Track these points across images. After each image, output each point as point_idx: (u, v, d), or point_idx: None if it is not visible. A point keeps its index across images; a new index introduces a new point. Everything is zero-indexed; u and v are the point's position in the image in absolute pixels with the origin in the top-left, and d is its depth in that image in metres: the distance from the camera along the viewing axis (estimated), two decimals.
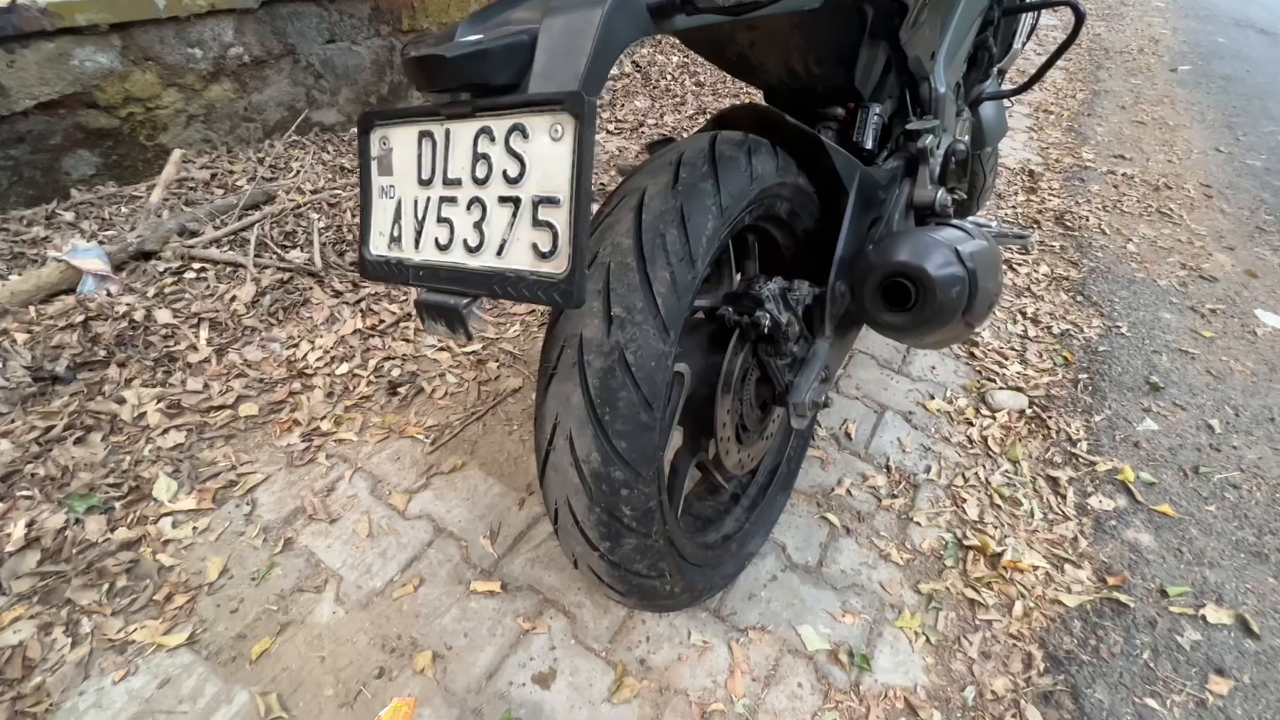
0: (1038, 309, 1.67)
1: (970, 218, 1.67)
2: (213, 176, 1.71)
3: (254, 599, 0.91)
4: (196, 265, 1.43)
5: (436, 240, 0.53)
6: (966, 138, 1.13)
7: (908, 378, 1.43)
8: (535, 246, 0.47)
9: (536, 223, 0.47)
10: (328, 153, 2.01)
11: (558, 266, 0.47)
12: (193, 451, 1.09)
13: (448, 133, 0.51)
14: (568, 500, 0.65)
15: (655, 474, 0.65)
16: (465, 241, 0.51)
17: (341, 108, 2.10)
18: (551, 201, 0.47)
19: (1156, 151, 2.77)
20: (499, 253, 0.49)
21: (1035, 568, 1.04)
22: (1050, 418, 1.33)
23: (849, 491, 1.15)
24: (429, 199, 0.53)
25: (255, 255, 1.47)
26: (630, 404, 0.60)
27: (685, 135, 2.35)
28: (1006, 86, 1.46)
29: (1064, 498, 1.17)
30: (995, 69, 1.48)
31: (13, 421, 1.06)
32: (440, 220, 0.52)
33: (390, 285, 1.52)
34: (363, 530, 1.01)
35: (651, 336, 0.61)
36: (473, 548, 1.01)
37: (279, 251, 1.52)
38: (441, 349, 1.38)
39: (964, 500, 1.15)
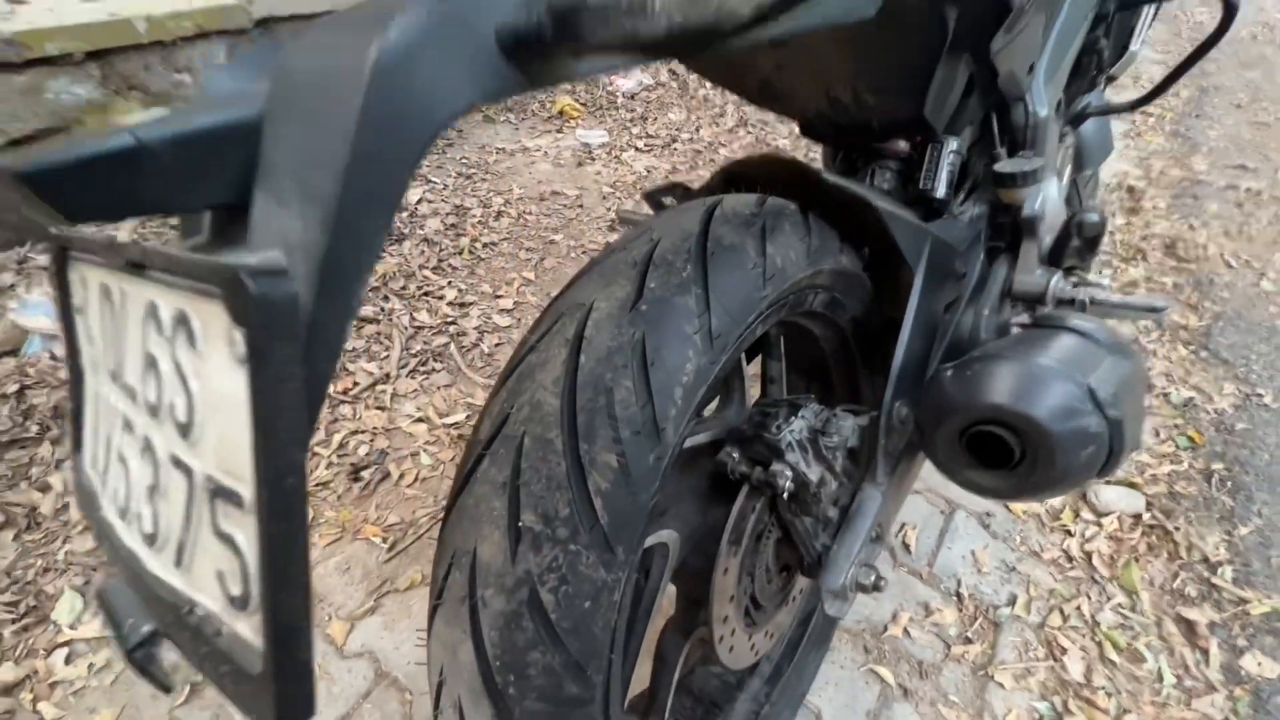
0: (1149, 368, 1.34)
1: (1087, 292, 1.30)
2: None
3: None
4: None
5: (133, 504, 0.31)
6: (1096, 214, 0.82)
7: None
8: (221, 577, 0.25)
9: (218, 530, 0.25)
10: None
11: (251, 640, 0.23)
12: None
13: (122, 294, 0.28)
14: None
15: None
16: (140, 518, 0.28)
17: None
18: (230, 497, 0.23)
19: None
20: (177, 562, 0.26)
21: None
22: (1177, 528, 1.02)
23: (907, 631, 0.88)
24: (117, 411, 0.31)
25: None
26: (549, 671, 0.37)
27: (708, 170, 2.08)
28: (1116, 99, 1.14)
29: (1205, 653, 0.86)
30: (1103, 77, 1.17)
31: None
32: (122, 461, 0.30)
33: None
34: None
35: (586, 562, 0.37)
36: (418, 703, 0.79)
37: None
38: (419, 420, 1.17)
39: (1063, 650, 0.87)
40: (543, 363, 0.40)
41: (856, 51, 0.60)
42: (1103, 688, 0.83)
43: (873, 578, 0.57)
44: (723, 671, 0.73)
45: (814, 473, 0.53)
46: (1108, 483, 1.09)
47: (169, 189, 0.24)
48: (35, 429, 1.05)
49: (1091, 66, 1.06)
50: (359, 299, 0.24)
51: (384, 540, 0.97)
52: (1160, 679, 0.84)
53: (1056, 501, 1.06)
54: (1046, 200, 0.73)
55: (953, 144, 0.73)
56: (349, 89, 0.23)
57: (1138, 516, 1.04)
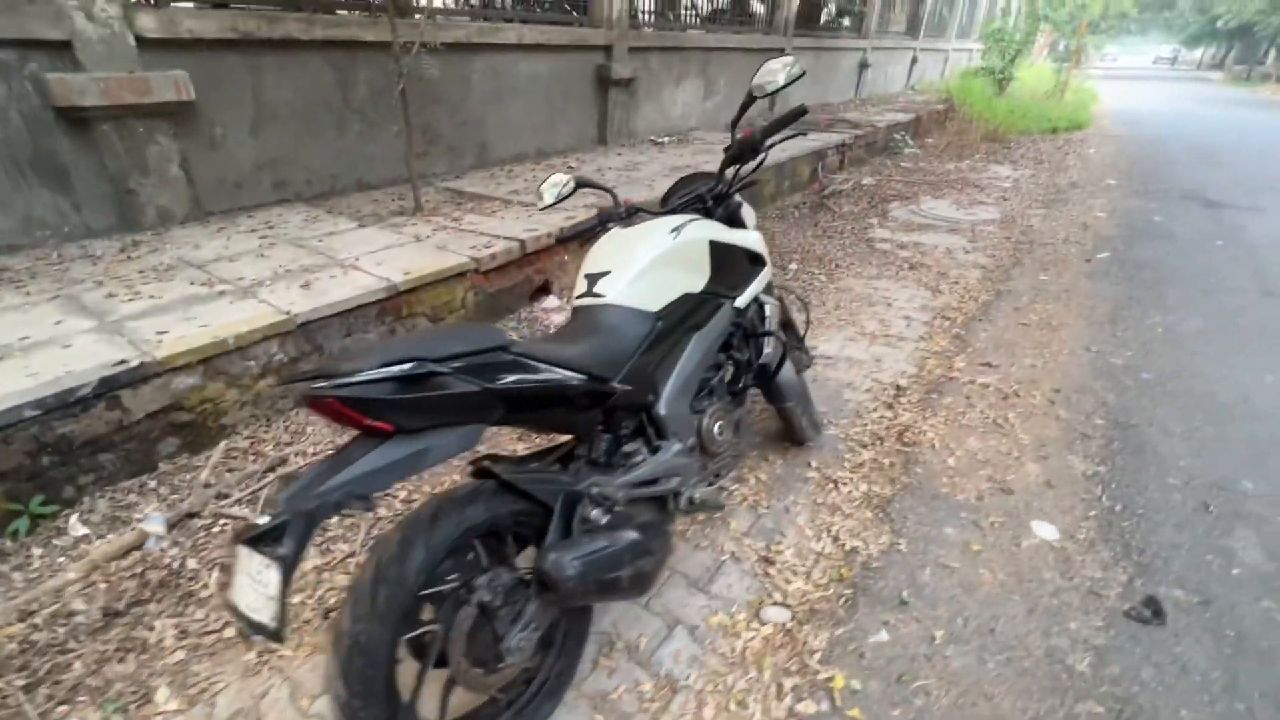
0: (842, 527, 2.06)
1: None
2: (250, 444, 2.44)
3: None
4: (223, 520, 2.08)
5: None
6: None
7: (706, 594, 1.83)
8: None
9: None
10: None
11: None
12: (187, 666, 1.64)
13: None
14: None
15: None
16: None
17: None
18: None
19: (1026, 355, 3.17)
20: None
21: None
22: (802, 631, 1.70)
23: (621, 695, 1.55)
24: None
25: (260, 509, 2.12)
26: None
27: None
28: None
29: (782, 702, 1.52)
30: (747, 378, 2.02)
31: (82, 646, 1.66)
32: None
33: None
34: None
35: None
36: None
37: None
38: None
39: (705, 704, 1.52)
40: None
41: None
42: None
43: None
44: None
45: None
46: (775, 604, 1.78)
47: None
48: (148, 594, 1.81)
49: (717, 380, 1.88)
50: None
51: None
52: None
53: (741, 616, 1.75)
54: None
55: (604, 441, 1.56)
56: None
57: (784, 625, 1.72)
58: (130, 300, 2.59)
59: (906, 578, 1.86)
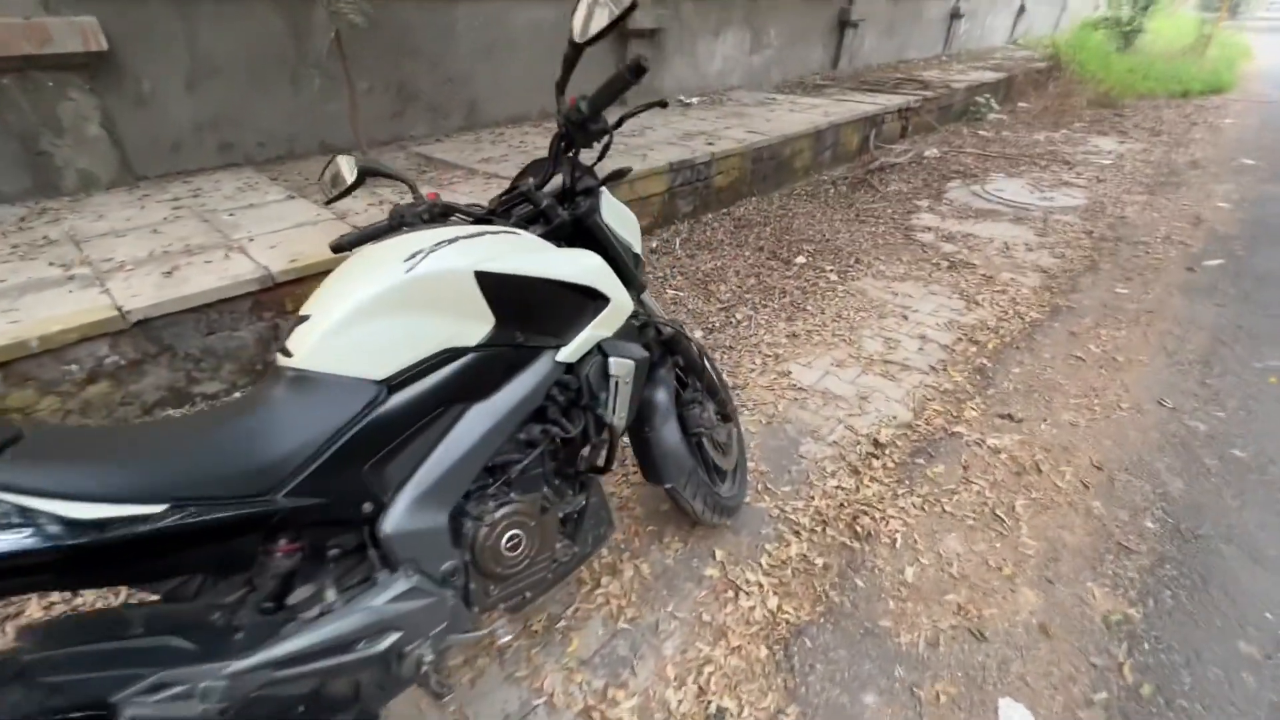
0: (718, 670, 1.45)
1: None
2: None
3: None
4: None
5: None
6: None
7: None
8: None
9: None
10: None
11: None
12: None
13: None
14: None
15: None
16: None
17: (224, 378, 2.46)
18: None
19: (1067, 408, 2.34)
20: None
21: None
22: None
23: None
24: None
25: None
26: None
27: None
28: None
29: None
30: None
31: None
32: None
33: None
34: None
35: None
36: None
37: None
38: None
39: None
40: None
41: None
42: None
43: None
44: None
45: None
46: None
47: None
48: None
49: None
50: None
51: None
52: None
53: None
54: None
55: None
56: None
57: None
58: None
59: None
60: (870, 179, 5.04)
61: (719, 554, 1.74)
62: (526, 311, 1.20)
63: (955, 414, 2.30)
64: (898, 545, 1.75)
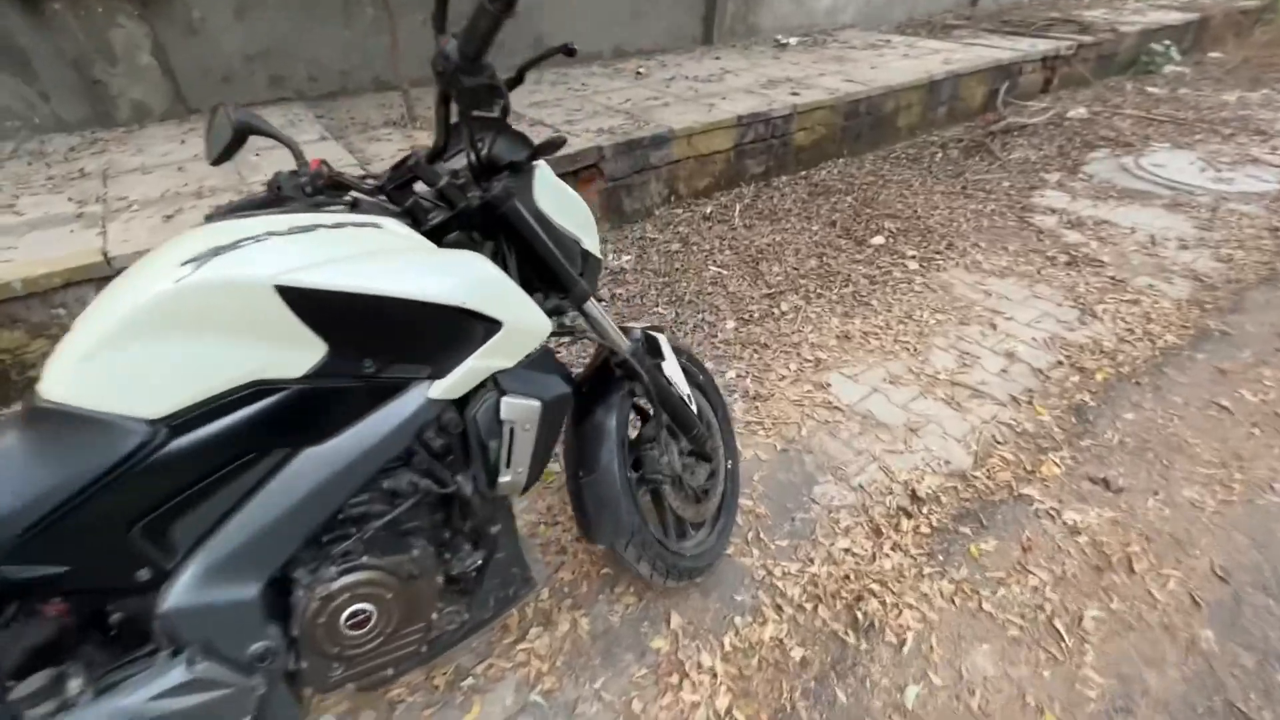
0: None
1: None
2: None
3: None
4: None
5: None
6: None
7: None
8: None
9: None
10: None
11: None
12: None
13: None
14: None
15: None
16: None
17: None
18: None
19: (1189, 481, 1.74)
20: None
21: None
22: None
23: None
24: None
25: None
26: None
27: None
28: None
29: None
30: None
31: None
32: None
33: None
34: None
35: None
36: None
37: None
38: None
39: None
40: None
41: None
42: None
43: None
44: None
45: None
46: None
47: None
48: None
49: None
50: None
51: None
52: None
53: None
54: None
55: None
56: None
57: None
58: None
59: None
60: (991, 143, 4.20)
61: (675, 621, 1.41)
62: (375, 336, 0.89)
63: (1029, 469, 1.78)
64: (906, 649, 1.34)
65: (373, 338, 0.88)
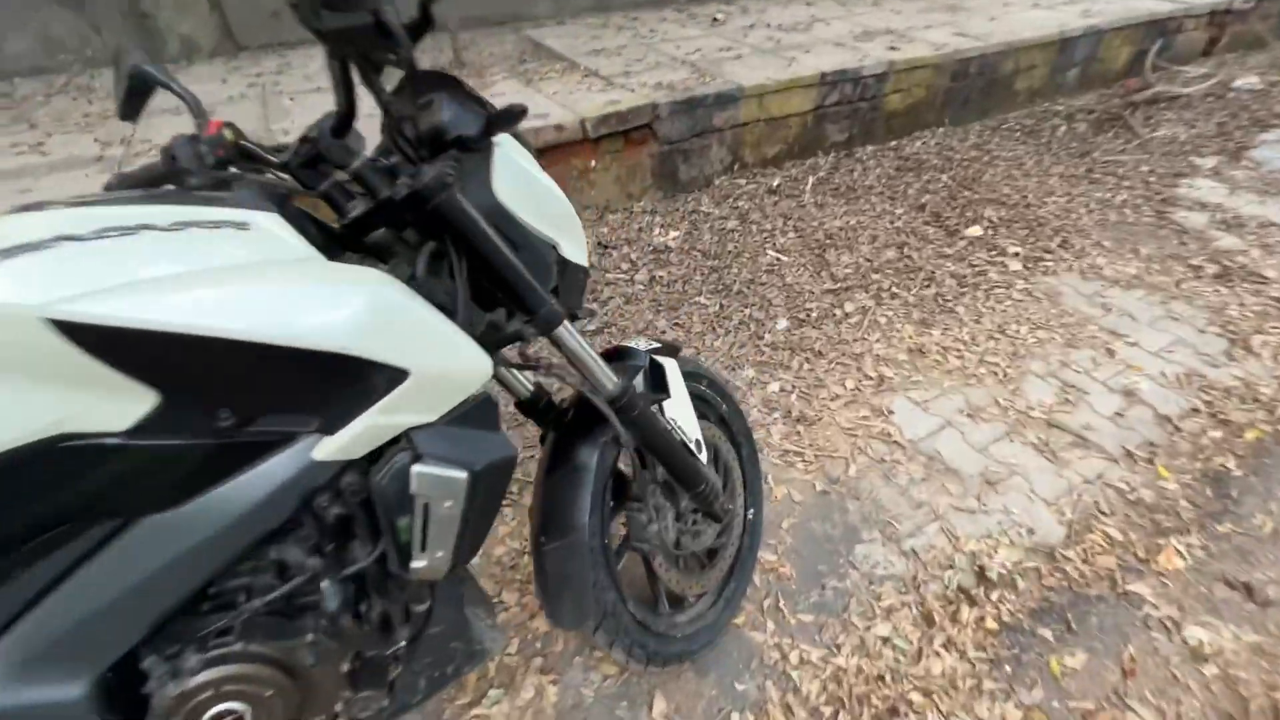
0: None
1: None
2: None
3: None
4: None
5: None
6: None
7: None
8: None
9: None
10: None
11: None
12: None
13: None
14: None
15: None
16: None
17: None
18: None
19: None
20: None
21: None
22: None
23: None
24: None
25: None
26: None
27: None
28: None
29: None
30: None
31: None
32: None
33: None
34: None
35: None
36: None
37: None
38: None
39: None
40: None
41: None
42: None
43: None
44: None
45: None
46: None
47: None
48: None
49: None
50: None
51: None
52: None
53: None
54: None
55: None
56: None
57: None
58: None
59: None
60: (1130, 116, 3.50)
61: (659, 707, 1.16)
62: (228, 383, 0.64)
63: (1142, 556, 1.39)
64: None
65: (225, 385, 0.64)
